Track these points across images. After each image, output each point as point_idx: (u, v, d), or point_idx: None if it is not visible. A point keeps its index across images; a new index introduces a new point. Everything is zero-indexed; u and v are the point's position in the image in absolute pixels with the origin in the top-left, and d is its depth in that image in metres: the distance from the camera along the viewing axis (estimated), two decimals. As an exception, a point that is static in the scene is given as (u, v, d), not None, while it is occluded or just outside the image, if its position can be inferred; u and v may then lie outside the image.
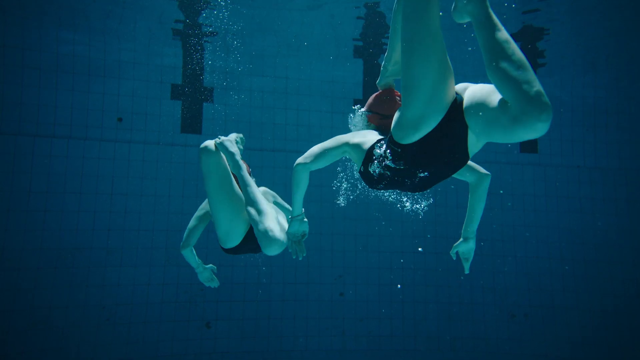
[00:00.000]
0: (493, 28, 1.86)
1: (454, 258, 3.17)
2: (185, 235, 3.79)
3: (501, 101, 1.89)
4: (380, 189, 2.66)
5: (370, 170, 2.55)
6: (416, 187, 2.58)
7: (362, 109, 2.99)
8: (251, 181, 3.06)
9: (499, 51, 1.83)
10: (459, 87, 2.26)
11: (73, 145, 6.69)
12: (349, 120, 3.13)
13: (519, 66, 1.79)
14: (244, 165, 3.10)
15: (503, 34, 1.85)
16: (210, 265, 4.00)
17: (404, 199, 3.95)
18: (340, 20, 6.77)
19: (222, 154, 3.15)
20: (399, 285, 7.36)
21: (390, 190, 3.18)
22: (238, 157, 3.08)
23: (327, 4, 6.36)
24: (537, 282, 7.50)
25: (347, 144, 2.71)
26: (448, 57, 2.11)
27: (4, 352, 6.02)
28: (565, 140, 7.90)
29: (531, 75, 1.77)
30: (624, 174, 7.85)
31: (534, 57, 7.69)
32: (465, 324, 7.38)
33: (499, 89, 1.85)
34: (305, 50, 7.52)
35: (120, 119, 6.95)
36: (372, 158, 2.53)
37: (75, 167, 6.66)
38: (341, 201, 6.90)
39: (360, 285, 7.37)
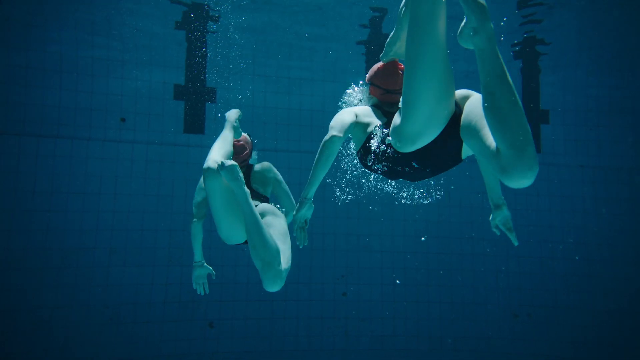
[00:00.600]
0: (496, 68, 1.84)
1: (498, 233, 2.96)
2: (194, 209, 3.63)
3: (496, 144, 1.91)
4: (376, 172, 2.64)
5: (368, 156, 2.54)
6: (413, 177, 2.58)
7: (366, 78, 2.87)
8: (258, 217, 2.88)
9: (498, 97, 1.82)
10: (459, 94, 2.27)
11: (77, 145, 6.71)
12: (342, 98, 3.02)
13: (515, 119, 1.81)
14: (249, 194, 2.93)
15: (505, 79, 1.83)
16: (210, 268, 3.77)
17: (404, 195, 3.85)
18: (344, 20, 6.78)
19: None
20: (397, 281, 7.36)
21: (389, 180, 3.06)
22: (244, 186, 2.92)
23: (330, 3, 6.36)
24: (540, 282, 7.48)
25: (356, 118, 2.62)
26: (452, 73, 2.08)
27: (8, 352, 6.05)
28: (568, 140, 7.87)
29: (526, 130, 1.80)
30: (627, 173, 7.82)
31: (537, 57, 7.67)
32: (468, 323, 7.37)
33: (493, 134, 1.86)
34: (307, 50, 7.52)
35: (123, 119, 6.97)
36: (370, 145, 2.52)
37: (78, 167, 6.68)
38: (340, 199, 6.89)
39: (362, 285, 7.37)
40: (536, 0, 6.23)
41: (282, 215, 3.34)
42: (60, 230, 6.48)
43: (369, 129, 2.55)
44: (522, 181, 1.81)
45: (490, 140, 1.93)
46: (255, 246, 2.80)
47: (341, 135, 2.55)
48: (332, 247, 7.37)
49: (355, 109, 2.70)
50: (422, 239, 7.38)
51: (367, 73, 2.87)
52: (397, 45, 2.65)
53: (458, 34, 1.95)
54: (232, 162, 2.89)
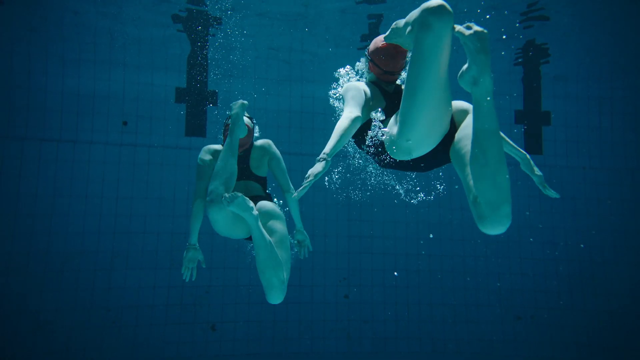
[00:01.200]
0: (489, 122, 1.93)
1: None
2: (195, 188, 3.52)
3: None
4: (367, 154, 2.66)
5: (365, 142, 2.59)
6: (407, 170, 2.61)
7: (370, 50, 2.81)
8: (268, 241, 2.91)
9: (486, 151, 1.93)
10: (457, 106, 2.33)
11: (79, 149, 6.73)
12: (334, 84, 2.99)
13: (497, 178, 1.93)
14: (258, 218, 2.91)
15: (496, 135, 1.93)
16: (202, 255, 3.62)
17: (402, 191, 3.82)
18: (344, 24, 6.78)
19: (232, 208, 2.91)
20: (395, 273, 7.33)
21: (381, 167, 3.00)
22: (253, 211, 2.89)
23: (329, 9, 6.37)
24: (543, 284, 7.46)
25: (365, 98, 2.59)
26: (450, 98, 2.15)
27: (10, 354, 6.06)
28: (570, 141, 7.86)
29: (505, 189, 1.93)
30: (630, 174, 7.80)
31: (539, 57, 7.67)
32: (471, 325, 7.35)
33: (474, 181, 1.99)
34: (308, 53, 7.53)
35: (125, 123, 6.98)
36: (368, 135, 2.55)
37: (80, 171, 6.70)
38: (342, 198, 6.89)
39: (365, 287, 7.36)
40: (539, 3, 6.24)
41: (282, 216, 3.33)
42: (62, 233, 6.49)
43: (370, 113, 2.57)
44: (493, 232, 2.02)
45: (472, 182, 2.05)
46: (263, 268, 2.89)
47: (362, 116, 2.50)
48: (334, 249, 7.36)
49: (364, 87, 2.66)
50: (430, 236, 7.37)
51: (369, 46, 2.83)
52: (401, 40, 2.60)
53: (458, 76, 2.00)
54: (238, 194, 2.85)
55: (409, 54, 2.67)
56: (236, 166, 3.20)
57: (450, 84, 2.14)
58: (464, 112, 2.31)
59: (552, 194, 2.67)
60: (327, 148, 2.38)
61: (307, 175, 2.34)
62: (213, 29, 6.88)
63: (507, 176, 1.94)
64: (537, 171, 2.71)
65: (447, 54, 1.99)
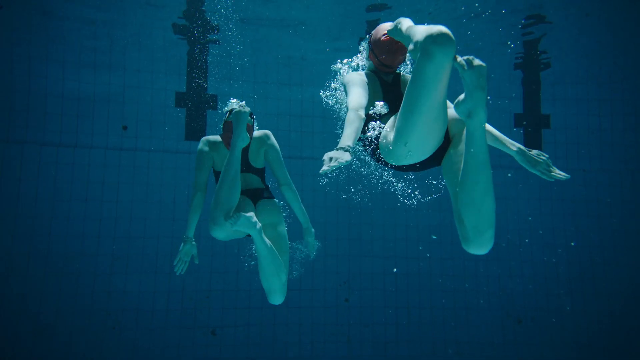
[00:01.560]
0: (480, 154, 1.99)
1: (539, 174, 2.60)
2: (195, 182, 3.47)
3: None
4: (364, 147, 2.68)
5: (363, 137, 2.60)
6: (403, 168, 2.60)
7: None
8: (273, 252, 2.96)
9: (475, 182, 2.01)
10: (452, 115, 2.35)
11: (79, 153, 6.74)
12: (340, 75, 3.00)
13: (483, 207, 2.02)
14: (262, 231, 2.94)
15: (486, 168, 2.00)
16: (197, 250, 3.63)
17: (404, 197, 3.83)
18: (343, 28, 6.80)
19: (234, 228, 2.92)
20: (395, 269, 7.31)
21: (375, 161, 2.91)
22: (259, 225, 2.91)
23: (329, 16, 6.39)
24: (544, 286, 7.45)
25: (367, 89, 2.60)
26: (446, 117, 2.19)
27: (10, 357, 6.04)
28: (570, 144, 7.86)
29: (491, 217, 2.04)
30: (630, 175, 7.80)
31: (539, 60, 7.68)
32: (472, 328, 7.34)
33: (461, 208, 2.07)
34: (308, 59, 7.55)
35: (125, 127, 6.99)
36: (366, 131, 2.56)
37: (81, 175, 6.70)
38: (342, 199, 6.87)
39: (365, 291, 7.35)
40: (538, 5, 6.25)
41: (282, 216, 3.36)
42: (62, 236, 6.49)
43: (370, 107, 2.59)
44: (476, 252, 2.15)
45: (460, 206, 2.13)
46: (266, 274, 2.96)
47: (365, 115, 2.48)
48: (335, 252, 7.35)
49: (365, 78, 2.65)
50: (433, 237, 7.36)
51: (372, 32, 2.82)
52: (403, 42, 2.55)
53: (454, 104, 2.03)
54: (241, 215, 2.85)
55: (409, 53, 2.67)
56: (239, 181, 3.15)
57: (447, 96, 2.15)
58: (461, 122, 2.33)
59: (562, 176, 2.45)
60: (349, 140, 2.23)
61: (330, 157, 2.09)
62: (213, 32, 6.90)
63: (493, 204, 2.04)
64: (536, 158, 2.51)
65: (446, 79, 2.02)
